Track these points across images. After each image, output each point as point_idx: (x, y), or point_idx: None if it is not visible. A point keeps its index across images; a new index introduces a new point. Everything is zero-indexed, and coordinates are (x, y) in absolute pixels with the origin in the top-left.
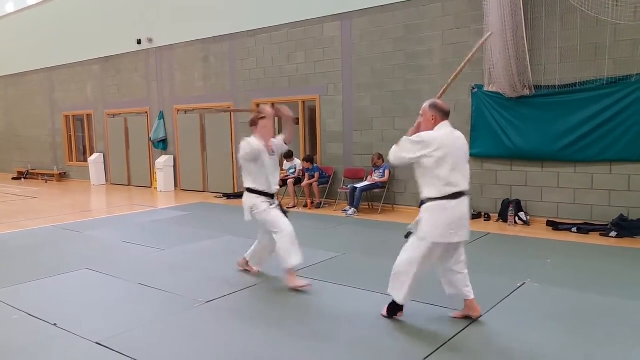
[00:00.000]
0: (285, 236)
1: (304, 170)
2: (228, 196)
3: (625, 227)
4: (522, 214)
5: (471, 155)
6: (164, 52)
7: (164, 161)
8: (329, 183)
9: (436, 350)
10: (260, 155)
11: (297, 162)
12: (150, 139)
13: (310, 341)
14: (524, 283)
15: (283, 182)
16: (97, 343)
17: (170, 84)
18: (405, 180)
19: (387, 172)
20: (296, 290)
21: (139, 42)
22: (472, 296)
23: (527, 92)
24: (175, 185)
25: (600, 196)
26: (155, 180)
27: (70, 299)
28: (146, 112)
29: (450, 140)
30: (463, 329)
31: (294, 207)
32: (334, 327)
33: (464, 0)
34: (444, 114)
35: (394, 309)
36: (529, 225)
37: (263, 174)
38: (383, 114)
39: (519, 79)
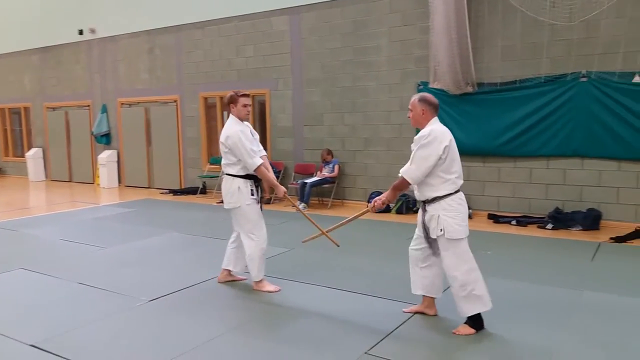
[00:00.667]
0: (260, 249)
1: None
2: (174, 192)
3: (560, 220)
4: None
5: None
6: (107, 43)
7: (107, 156)
8: (279, 178)
9: (379, 341)
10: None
11: None
12: (92, 133)
13: (251, 337)
14: None
15: None
16: (31, 345)
17: (114, 77)
18: (354, 176)
19: (336, 167)
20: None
21: (81, 32)
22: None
23: (470, 89)
24: (119, 182)
25: (538, 190)
26: (98, 177)
27: (3, 301)
28: (88, 106)
29: (448, 134)
30: (406, 320)
31: None
32: (278, 322)
33: None
34: (434, 108)
35: (479, 321)
36: (471, 218)
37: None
38: (333, 110)
39: (463, 76)
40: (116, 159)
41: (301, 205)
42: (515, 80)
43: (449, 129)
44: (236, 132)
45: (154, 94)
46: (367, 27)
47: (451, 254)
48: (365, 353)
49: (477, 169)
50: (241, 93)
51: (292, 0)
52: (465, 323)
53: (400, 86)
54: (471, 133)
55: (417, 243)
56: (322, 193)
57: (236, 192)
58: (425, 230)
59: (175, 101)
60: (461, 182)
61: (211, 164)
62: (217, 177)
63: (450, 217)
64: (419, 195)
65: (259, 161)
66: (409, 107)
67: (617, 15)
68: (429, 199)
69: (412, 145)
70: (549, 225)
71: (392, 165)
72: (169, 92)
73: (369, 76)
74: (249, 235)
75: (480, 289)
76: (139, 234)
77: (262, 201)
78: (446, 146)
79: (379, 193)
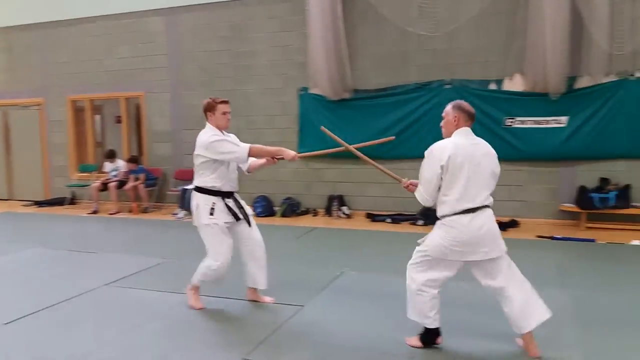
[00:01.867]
0: (216, 270)
1: (128, 172)
2: (39, 204)
3: (430, 216)
4: (344, 208)
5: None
6: None
7: None
8: (157, 185)
9: (257, 346)
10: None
11: (121, 164)
12: None
13: (121, 353)
14: (343, 272)
15: (104, 186)
16: None
17: None
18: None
19: None
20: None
21: None
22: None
23: (347, 95)
24: None
25: None
26: None
27: None
28: None
29: (465, 149)
30: (286, 320)
31: (116, 212)
32: (160, 333)
33: (288, 4)
34: (469, 117)
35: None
36: (351, 218)
37: (223, 176)
38: None
39: (340, 82)
40: None
41: (181, 213)
42: (388, 87)
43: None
44: (210, 136)
45: (14, 97)
46: (247, 31)
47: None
48: (243, 359)
49: (357, 171)
50: (219, 100)
51: (169, 1)
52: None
53: (282, 91)
54: (350, 137)
55: None
56: None
57: (196, 209)
58: None
59: (39, 105)
60: (469, 205)
61: (80, 171)
62: (87, 185)
63: (437, 234)
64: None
65: (245, 144)
66: (443, 114)
67: (476, 27)
68: (438, 216)
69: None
70: (420, 222)
71: (276, 170)
72: (32, 94)
73: (251, 80)
74: (209, 253)
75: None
76: None
77: (245, 217)
78: (443, 165)
79: (264, 197)
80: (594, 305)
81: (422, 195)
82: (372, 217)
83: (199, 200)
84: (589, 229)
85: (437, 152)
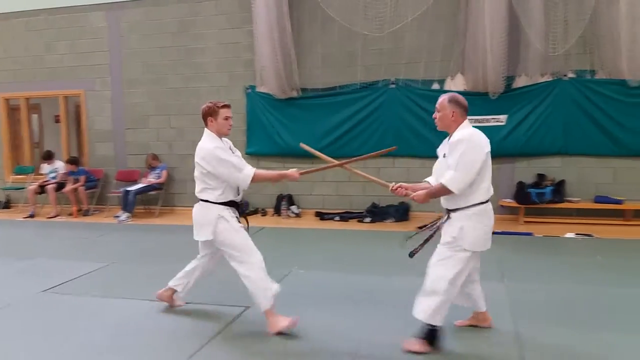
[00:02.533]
0: (257, 269)
1: (67, 174)
2: None
3: (377, 213)
4: (294, 207)
5: (247, 153)
6: None
7: None
8: (98, 187)
9: (201, 347)
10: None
11: (60, 165)
12: None
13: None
14: (291, 271)
15: (41, 189)
16: None
17: None
18: (184, 181)
19: (164, 172)
20: (281, 333)
21: None
22: (484, 309)
23: (295, 93)
24: None
25: (358, 187)
26: None
27: None
28: None
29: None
30: (230, 322)
31: (55, 216)
32: (101, 340)
33: (234, 0)
34: (464, 110)
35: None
36: (300, 217)
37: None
38: (158, 112)
39: (287, 81)
40: None
41: (124, 216)
42: (335, 86)
43: (277, 132)
44: (211, 150)
45: None
46: (195, 28)
47: (443, 261)
48: None
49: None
50: (222, 104)
51: None
52: (420, 337)
53: (229, 89)
54: (298, 136)
55: None
56: (148, 201)
57: (213, 221)
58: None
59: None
60: (491, 191)
61: (16, 174)
62: (23, 188)
63: (472, 228)
64: (446, 203)
65: (250, 169)
66: (437, 107)
67: (419, 28)
68: (459, 207)
69: (441, 150)
70: (367, 219)
71: None
72: None
73: (197, 78)
74: (238, 260)
75: (442, 306)
76: None
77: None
78: (488, 151)
79: None
80: (531, 295)
81: (460, 182)
82: (321, 216)
83: (220, 212)
84: (527, 223)
85: (480, 139)
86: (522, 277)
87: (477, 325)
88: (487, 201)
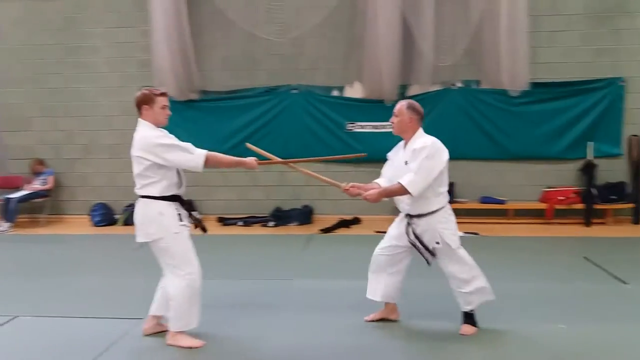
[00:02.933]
0: (188, 286)
1: None
2: None
3: (280, 217)
4: (194, 213)
5: None
6: None
7: None
8: None
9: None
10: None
11: None
12: None
13: None
14: None
15: None
16: None
17: None
18: (73, 187)
19: (51, 178)
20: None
21: None
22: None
23: (194, 96)
24: None
25: (261, 192)
26: None
27: None
28: None
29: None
30: (124, 334)
31: None
32: None
33: None
34: (421, 118)
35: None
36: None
37: (173, 170)
38: (43, 114)
39: (186, 83)
40: None
41: (5, 226)
42: (237, 90)
43: (176, 135)
44: (151, 138)
45: None
46: (82, 26)
47: (454, 261)
48: None
49: (205, 174)
50: (158, 92)
51: None
52: (466, 323)
53: (121, 90)
54: (198, 139)
55: (389, 250)
56: (33, 209)
57: (156, 219)
58: (420, 241)
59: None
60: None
61: None
62: None
63: (445, 228)
64: (409, 209)
65: (202, 151)
66: (395, 112)
67: (320, 35)
68: (423, 213)
69: (394, 154)
70: (271, 223)
71: (117, 174)
72: None
73: (86, 78)
74: (175, 272)
75: (483, 281)
76: None
77: (199, 226)
78: (447, 159)
79: (104, 205)
80: (418, 290)
81: (419, 186)
82: (224, 221)
83: (160, 208)
84: None
85: (442, 147)
86: (415, 274)
87: (386, 318)
88: (446, 204)
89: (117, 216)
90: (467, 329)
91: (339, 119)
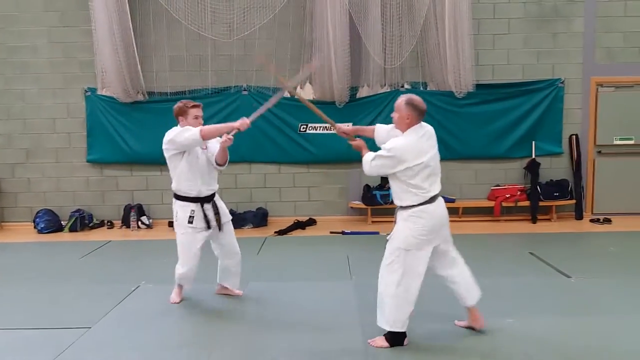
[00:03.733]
0: (182, 274)
1: None
2: None
3: (234, 220)
4: (144, 218)
5: (90, 161)
6: None
7: None
8: None
9: None
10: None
11: None
12: None
13: None
14: (139, 286)
15: None
16: None
17: None
18: (15, 193)
19: None
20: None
21: None
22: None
23: (141, 97)
24: None
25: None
26: None
27: None
28: None
29: (424, 145)
30: (70, 345)
31: None
32: None
33: None
34: (420, 114)
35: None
36: (151, 228)
37: (195, 172)
38: None
39: (132, 84)
40: None
41: None
42: (185, 91)
43: (122, 138)
44: (170, 134)
45: None
46: (20, 25)
47: (387, 263)
48: None
49: (155, 178)
50: (191, 104)
51: None
52: (384, 335)
53: (65, 91)
54: (146, 142)
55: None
56: None
57: (175, 215)
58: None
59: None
60: (430, 194)
61: None
62: None
63: (406, 227)
64: (394, 199)
65: (195, 129)
66: (395, 107)
67: (268, 36)
68: (399, 205)
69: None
70: None
71: (63, 179)
72: None
73: (26, 79)
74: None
75: (393, 311)
76: None
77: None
78: (408, 167)
79: (49, 211)
80: (374, 290)
81: (369, 169)
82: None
83: (178, 208)
84: (374, 223)
85: (400, 154)
86: (369, 274)
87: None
88: (422, 203)
89: (64, 222)
90: (379, 341)
91: (292, 120)
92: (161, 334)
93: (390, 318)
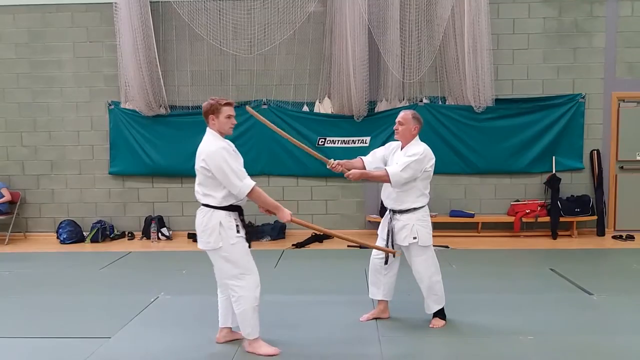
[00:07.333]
0: (252, 299)
1: None
2: None
3: (252, 232)
4: (164, 230)
5: (112, 173)
6: None
7: None
8: None
9: None
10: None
11: None
12: None
13: None
14: (158, 297)
15: None
16: None
17: None
18: (39, 204)
19: (4, 190)
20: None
21: None
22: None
23: (163, 111)
24: None
25: None
26: None
27: None
28: None
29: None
30: (90, 355)
31: None
32: None
33: (95, 13)
34: (421, 128)
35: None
36: (171, 239)
37: None
38: (8, 128)
39: (154, 98)
40: None
41: None
42: None
43: (144, 150)
44: (218, 149)
45: None
46: (47, 39)
47: (422, 259)
48: None
49: (176, 190)
50: (224, 101)
51: None
52: (436, 316)
53: (89, 105)
54: (167, 154)
55: (379, 253)
56: None
57: (216, 229)
58: (391, 237)
59: None
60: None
61: None
62: None
63: (423, 226)
64: (393, 204)
65: (251, 182)
66: (400, 119)
67: (287, 52)
68: (405, 209)
69: (400, 153)
70: None
71: (85, 190)
72: None
73: (52, 92)
74: (237, 281)
75: (441, 290)
76: None
77: (250, 238)
78: (433, 164)
79: (71, 222)
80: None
81: (401, 180)
82: (194, 238)
83: (220, 218)
84: None
85: (431, 155)
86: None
87: (379, 317)
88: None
89: (86, 233)
90: (437, 322)
91: (309, 134)
92: (179, 346)
93: (442, 297)
